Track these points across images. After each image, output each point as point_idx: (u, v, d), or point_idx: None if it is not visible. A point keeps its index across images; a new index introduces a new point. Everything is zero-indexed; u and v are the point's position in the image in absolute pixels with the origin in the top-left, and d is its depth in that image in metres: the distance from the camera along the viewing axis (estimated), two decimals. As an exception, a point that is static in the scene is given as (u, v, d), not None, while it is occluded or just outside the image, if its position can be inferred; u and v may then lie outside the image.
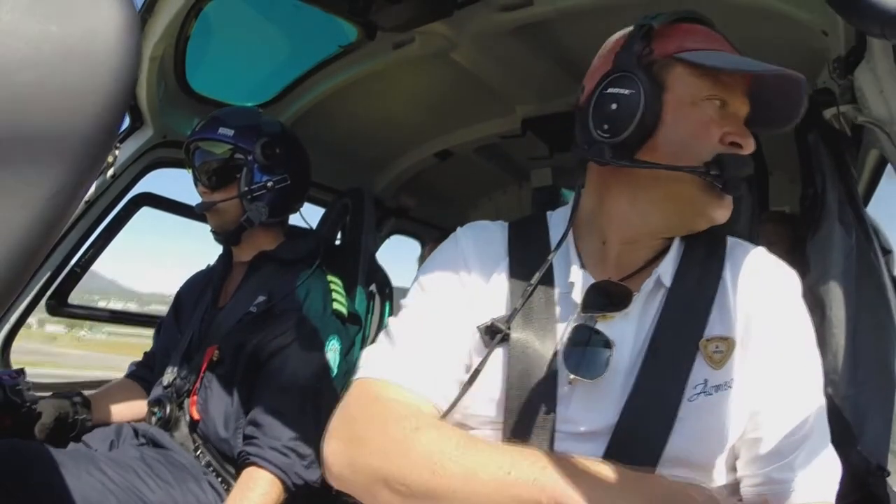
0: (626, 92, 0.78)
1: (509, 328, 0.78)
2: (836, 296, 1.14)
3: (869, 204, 1.79)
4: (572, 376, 0.75)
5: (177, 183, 1.62)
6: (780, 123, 0.85)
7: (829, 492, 0.74)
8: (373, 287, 1.88)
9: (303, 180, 1.64)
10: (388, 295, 1.91)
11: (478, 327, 0.80)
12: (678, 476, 0.72)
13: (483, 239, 0.90)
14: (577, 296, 0.80)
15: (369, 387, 0.78)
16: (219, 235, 1.57)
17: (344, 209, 2.01)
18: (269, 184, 1.51)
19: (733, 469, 0.77)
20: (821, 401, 0.77)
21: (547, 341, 0.78)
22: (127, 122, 1.74)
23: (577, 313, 0.80)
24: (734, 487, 0.80)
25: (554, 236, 0.88)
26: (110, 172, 1.70)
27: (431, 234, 2.97)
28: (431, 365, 0.79)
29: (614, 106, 0.78)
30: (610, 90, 0.79)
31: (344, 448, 0.73)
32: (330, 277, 1.56)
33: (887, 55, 1.03)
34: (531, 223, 0.93)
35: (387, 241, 2.90)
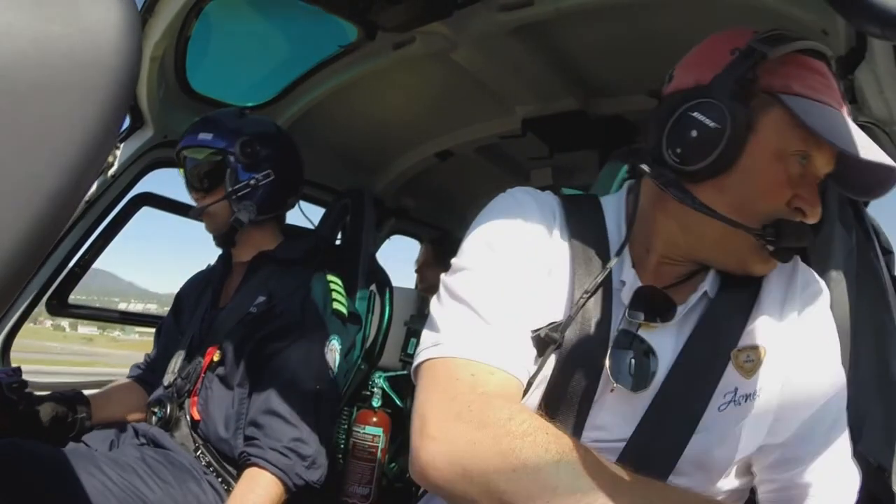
0: (712, 125, 0.72)
1: (563, 337, 0.74)
2: (836, 296, 1.14)
3: (869, 204, 1.79)
4: (615, 384, 0.73)
5: (177, 182, 1.62)
6: (855, 193, 0.80)
7: (849, 500, 0.74)
8: (373, 287, 1.88)
9: (290, 175, 1.61)
10: (388, 295, 1.91)
11: (532, 336, 0.75)
12: (688, 480, 0.73)
13: (544, 205, 0.84)
14: (626, 296, 0.79)
15: (464, 370, 0.69)
16: (217, 239, 1.58)
17: (344, 209, 2.01)
18: (252, 181, 1.51)
19: (743, 474, 0.78)
20: (842, 410, 0.77)
21: (597, 343, 0.75)
22: (127, 122, 1.74)
23: (623, 315, 0.78)
24: (741, 493, 0.80)
25: (609, 225, 0.85)
26: (110, 172, 1.71)
27: (431, 234, 2.97)
28: (519, 342, 0.74)
29: (694, 133, 0.73)
30: (695, 114, 0.73)
31: (456, 455, 0.63)
32: (330, 277, 1.56)
33: (887, 55, 1.03)
34: (586, 204, 0.88)
35: (387, 241, 2.91)
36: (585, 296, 0.76)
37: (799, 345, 0.77)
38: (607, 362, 0.74)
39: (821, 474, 0.73)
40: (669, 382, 0.74)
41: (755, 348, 0.76)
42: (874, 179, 0.74)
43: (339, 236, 2.03)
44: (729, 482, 0.76)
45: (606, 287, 0.78)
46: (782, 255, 0.76)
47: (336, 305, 1.52)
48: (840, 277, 1.15)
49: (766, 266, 0.78)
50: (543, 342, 0.74)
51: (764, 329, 0.77)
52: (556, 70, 1.85)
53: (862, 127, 1.15)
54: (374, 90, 1.98)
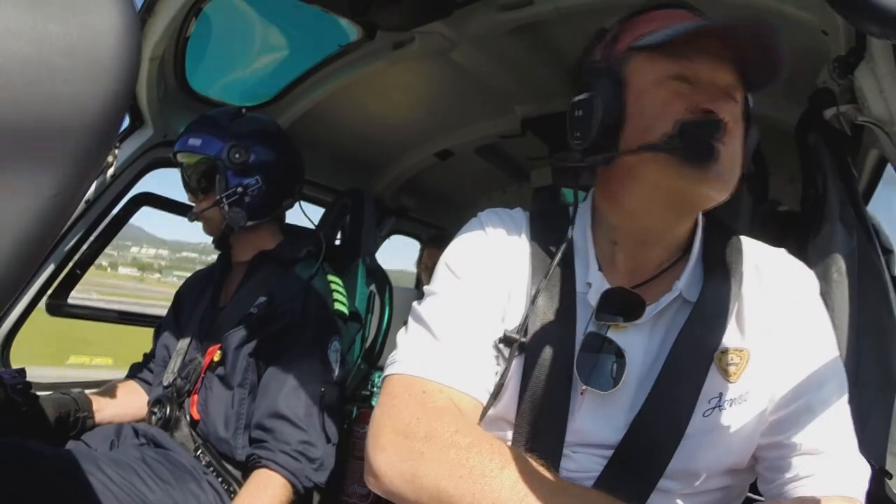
0: (585, 96, 0.78)
1: (525, 336, 0.77)
2: (837, 296, 1.14)
3: (869, 204, 1.79)
4: (584, 387, 0.75)
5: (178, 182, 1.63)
6: (770, 80, 0.77)
7: (858, 489, 0.73)
8: (372, 287, 1.88)
9: (284, 177, 1.59)
10: (387, 295, 1.91)
11: (494, 341, 0.78)
12: (678, 485, 0.73)
13: (511, 227, 0.88)
14: (594, 298, 0.79)
15: (416, 387, 0.74)
16: (213, 241, 1.60)
17: (344, 209, 2.01)
18: (240, 188, 1.49)
19: (738, 473, 0.77)
20: (843, 401, 0.76)
21: (563, 346, 0.77)
22: (127, 122, 1.74)
23: (591, 318, 0.78)
24: (739, 490, 0.80)
25: (576, 234, 0.86)
26: (110, 172, 1.70)
27: (431, 234, 2.97)
28: (474, 361, 0.77)
29: (579, 113, 0.79)
30: (576, 98, 0.80)
31: (404, 465, 0.68)
32: (331, 277, 1.56)
33: (887, 55, 1.03)
34: (555, 218, 0.90)
35: (386, 241, 2.91)
36: (534, 293, 0.79)
37: (787, 340, 0.76)
38: (575, 365, 0.75)
39: (828, 467, 0.72)
40: (654, 388, 0.74)
41: (739, 351, 0.75)
42: (768, 56, 0.73)
43: (339, 236, 2.03)
44: (722, 481, 0.76)
45: (568, 290, 0.80)
46: (702, 154, 0.71)
47: (337, 306, 1.52)
48: (842, 279, 1.15)
49: (707, 181, 0.73)
50: (507, 342, 0.77)
51: (748, 329, 0.77)
52: (556, 69, 1.85)
53: (862, 127, 1.15)
54: (373, 90, 1.98)
